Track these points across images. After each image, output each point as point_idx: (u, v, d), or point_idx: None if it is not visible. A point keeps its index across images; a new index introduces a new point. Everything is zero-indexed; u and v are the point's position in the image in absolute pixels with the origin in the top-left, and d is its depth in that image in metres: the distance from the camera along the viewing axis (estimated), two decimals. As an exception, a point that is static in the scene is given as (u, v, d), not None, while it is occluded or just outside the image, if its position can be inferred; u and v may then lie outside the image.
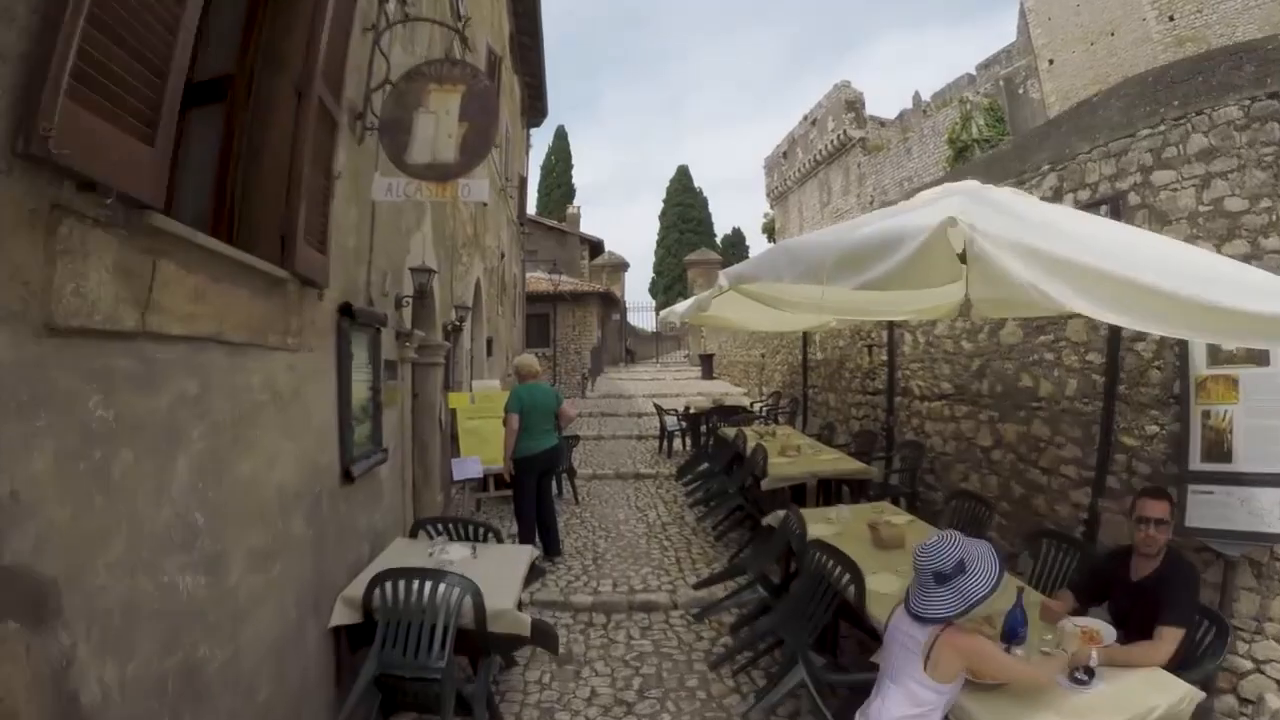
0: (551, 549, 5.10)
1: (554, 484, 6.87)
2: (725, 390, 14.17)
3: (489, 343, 9.88)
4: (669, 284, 42.30)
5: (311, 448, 2.86)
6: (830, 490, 5.50)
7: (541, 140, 41.99)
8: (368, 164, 3.52)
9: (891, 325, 6.67)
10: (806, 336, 9.18)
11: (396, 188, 3.17)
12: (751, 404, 9.84)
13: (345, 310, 3.13)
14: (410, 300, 4.41)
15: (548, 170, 41.23)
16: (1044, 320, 4.98)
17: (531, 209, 29.74)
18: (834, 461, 5.36)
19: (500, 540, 3.74)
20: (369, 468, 3.55)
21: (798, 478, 5.00)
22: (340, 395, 3.16)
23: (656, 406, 8.90)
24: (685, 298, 27.77)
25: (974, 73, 31.15)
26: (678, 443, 8.75)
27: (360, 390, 3.46)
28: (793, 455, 5.44)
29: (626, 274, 27.94)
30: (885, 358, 7.01)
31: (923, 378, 6.38)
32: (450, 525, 3.77)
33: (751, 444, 5.72)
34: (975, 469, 5.74)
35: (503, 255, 11.81)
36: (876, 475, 5.37)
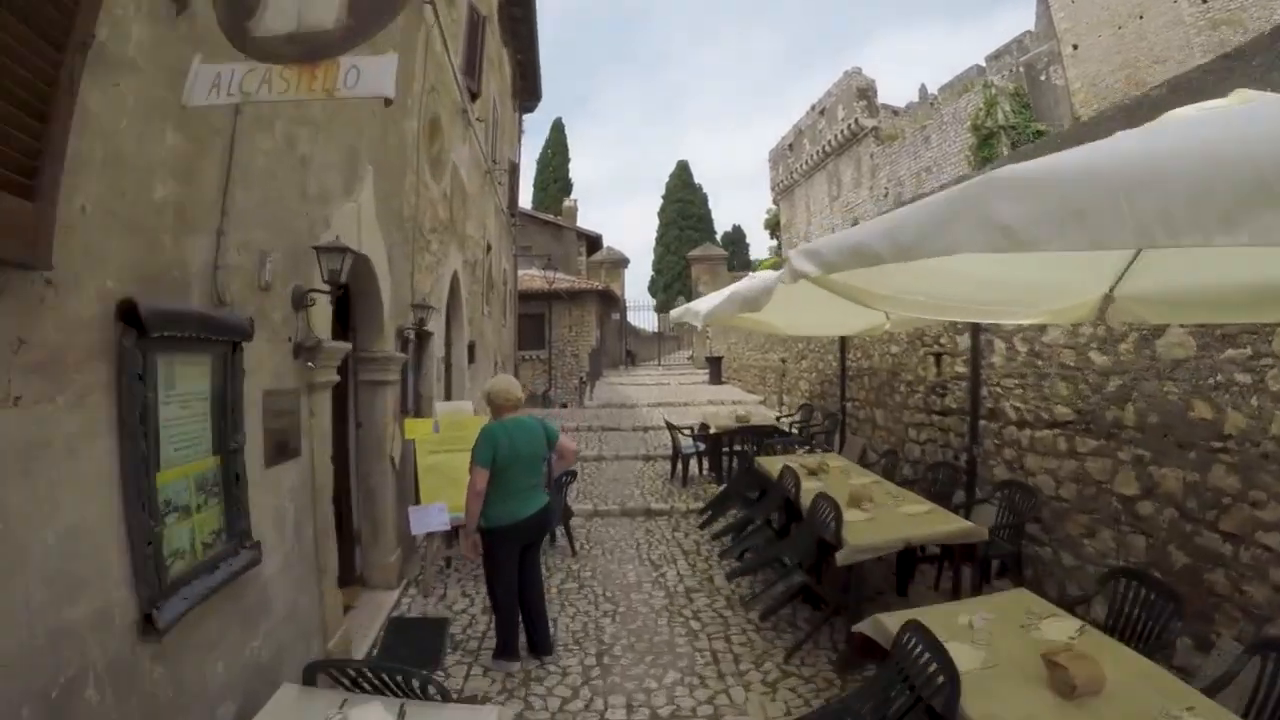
0: (540, 645, 3.63)
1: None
2: (738, 398, 12.71)
3: (471, 349, 8.39)
4: (669, 282, 40.98)
5: (30, 594, 1.38)
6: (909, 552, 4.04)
7: (538, 132, 40.59)
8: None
9: (976, 329, 5.22)
10: (845, 341, 7.72)
11: (227, 82, 1.70)
12: (777, 418, 8.38)
13: (130, 315, 1.64)
14: (316, 297, 2.92)
15: (544, 164, 39.74)
16: (1235, 329, 3.53)
17: (526, 203, 28.22)
18: (929, 519, 3.89)
19: (445, 693, 2.25)
20: (218, 585, 2.07)
21: (886, 547, 3.53)
22: (125, 475, 1.68)
23: (668, 424, 7.44)
24: (686, 296, 26.32)
25: (983, 64, 29.87)
26: (694, 464, 7.28)
27: (191, 454, 1.98)
28: (869, 509, 3.97)
29: (625, 271, 26.38)
30: (964, 369, 5.55)
31: (1023, 398, 4.93)
32: (365, 674, 2.28)
33: (809, 490, 4.26)
34: (1107, 523, 4.29)
35: (489, 248, 10.33)
36: (985, 536, 3.91)
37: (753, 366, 13.38)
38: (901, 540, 3.60)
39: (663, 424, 10.06)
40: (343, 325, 4.41)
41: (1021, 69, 23.98)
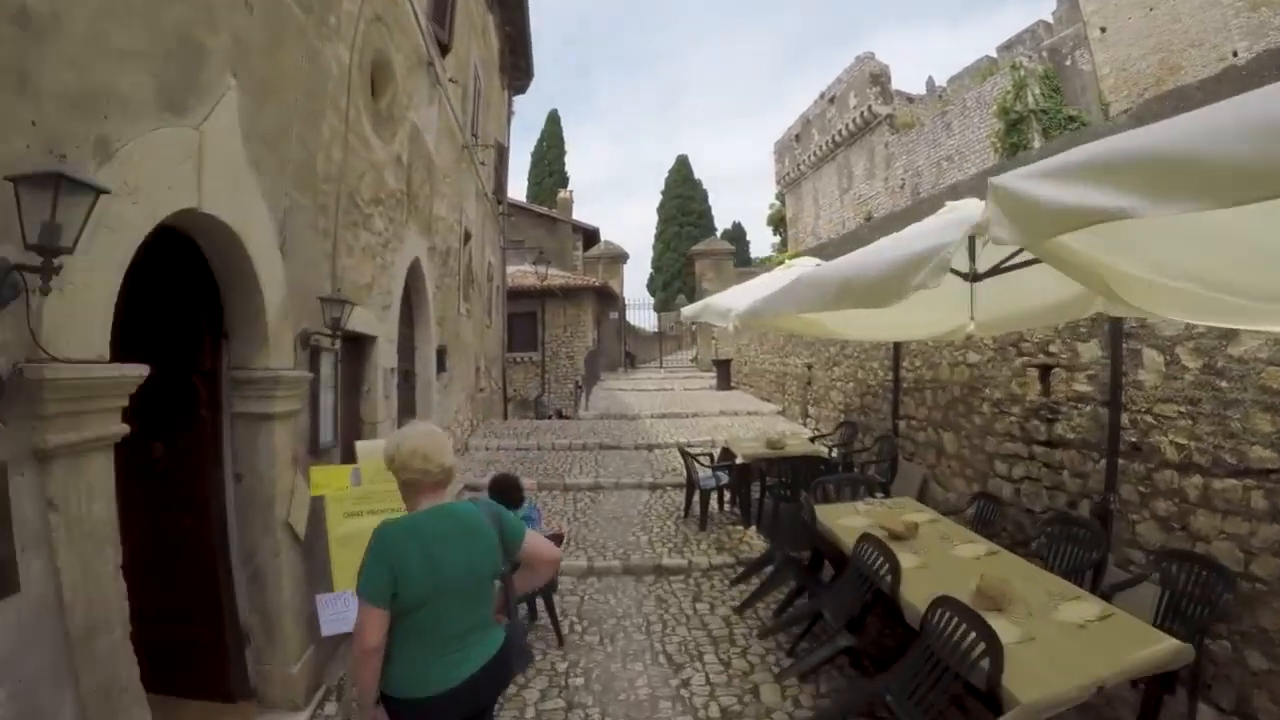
0: None
1: (527, 606, 3.98)
2: (753, 407, 11.29)
3: (440, 354, 6.95)
4: (668, 280, 39.73)
5: None
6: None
7: (532, 122, 39.19)
8: None
9: (1118, 333, 3.81)
10: (899, 346, 6.31)
11: None
12: (812, 438, 6.96)
13: None
14: (24, 279, 1.46)
15: (539, 158, 38.28)
16: None
17: (521, 197, 26.69)
18: (1113, 636, 2.46)
19: None
20: None
21: (1075, 698, 2.12)
22: None
23: (682, 451, 5.98)
24: (687, 294, 24.82)
25: (994, 55, 28.53)
26: (713, 499, 5.81)
27: None
28: (1017, 615, 2.56)
29: (623, 267, 24.80)
30: (1088, 388, 4.13)
31: (1191, 432, 3.51)
32: None
33: (914, 578, 2.84)
34: (1344, 623, 2.89)
35: (468, 236, 8.89)
36: (1191, 657, 2.49)
37: (768, 372, 11.96)
38: (1093, 684, 2.18)
39: (669, 440, 8.65)
40: (214, 331, 2.98)
41: (1044, 54, 22.60)
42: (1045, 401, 4.48)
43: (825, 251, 6.75)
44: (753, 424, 9.95)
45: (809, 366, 9.26)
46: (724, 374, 14.83)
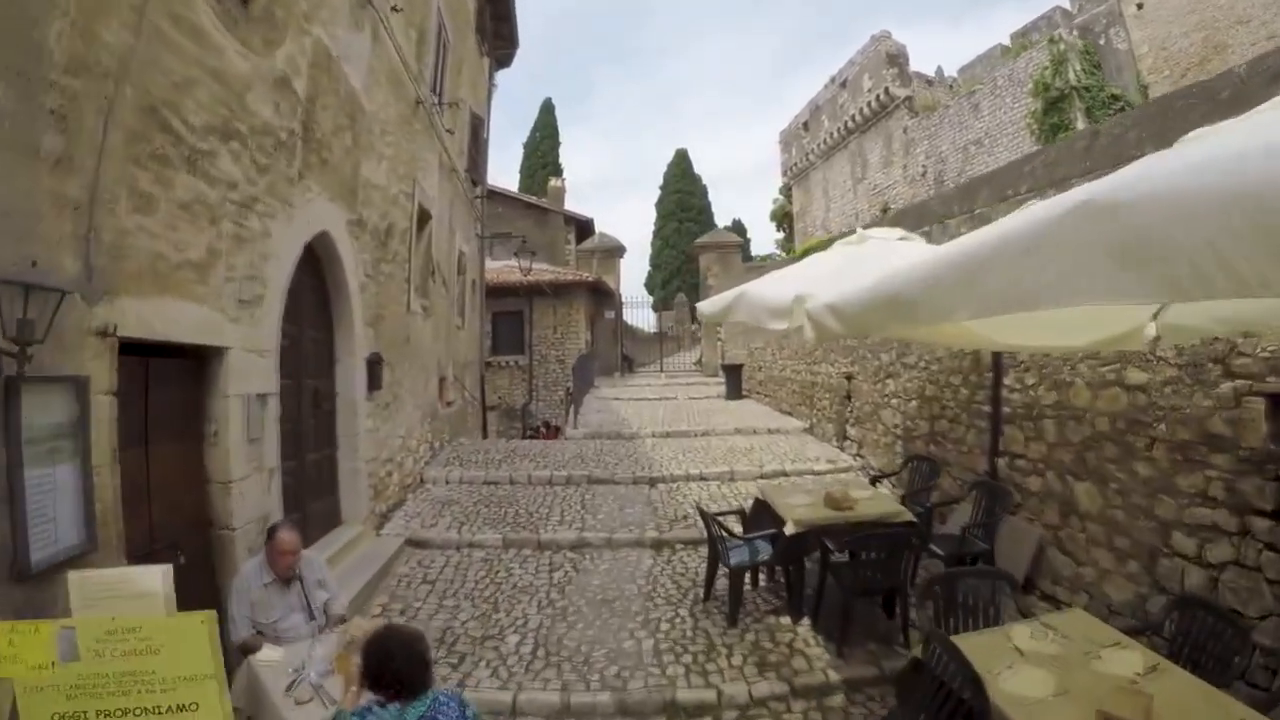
0: None
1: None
2: (775, 424, 9.56)
3: (372, 367, 5.23)
4: (668, 278, 38.21)
5: None
6: None
7: (526, 117, 37.53)
8: None
9: None
10: (999, 357, 4.63)
11: None
12: (873, 479, 5.27)
13: None
14: None
15: (531, 148, 36.58)
16: None
17: (513, 188, 24.96)
18: None
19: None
20: None
21: None
22: None
23: (703, 513, 4.21)
24: (688, 292, 23.08)
25: (1008, 43, 26.96)
26: (745, 574, 4.11)
27: None
28: None
29: (620, 262, 22.96)
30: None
31: None
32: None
33: None
34: None
35: (426, 215, 7.19)
36: None
37: (791, 380, 10.26)
38: None
39: (677, 471, 6.96)
40: None
41: (1075, 32, 20.98)
42: (1277, 450, 2.81)
43: (901, 222, 5.09)
44: (776, 445, 8.27)
45: (849, 377, 7.57)
46: (734, 381, 13.14)
